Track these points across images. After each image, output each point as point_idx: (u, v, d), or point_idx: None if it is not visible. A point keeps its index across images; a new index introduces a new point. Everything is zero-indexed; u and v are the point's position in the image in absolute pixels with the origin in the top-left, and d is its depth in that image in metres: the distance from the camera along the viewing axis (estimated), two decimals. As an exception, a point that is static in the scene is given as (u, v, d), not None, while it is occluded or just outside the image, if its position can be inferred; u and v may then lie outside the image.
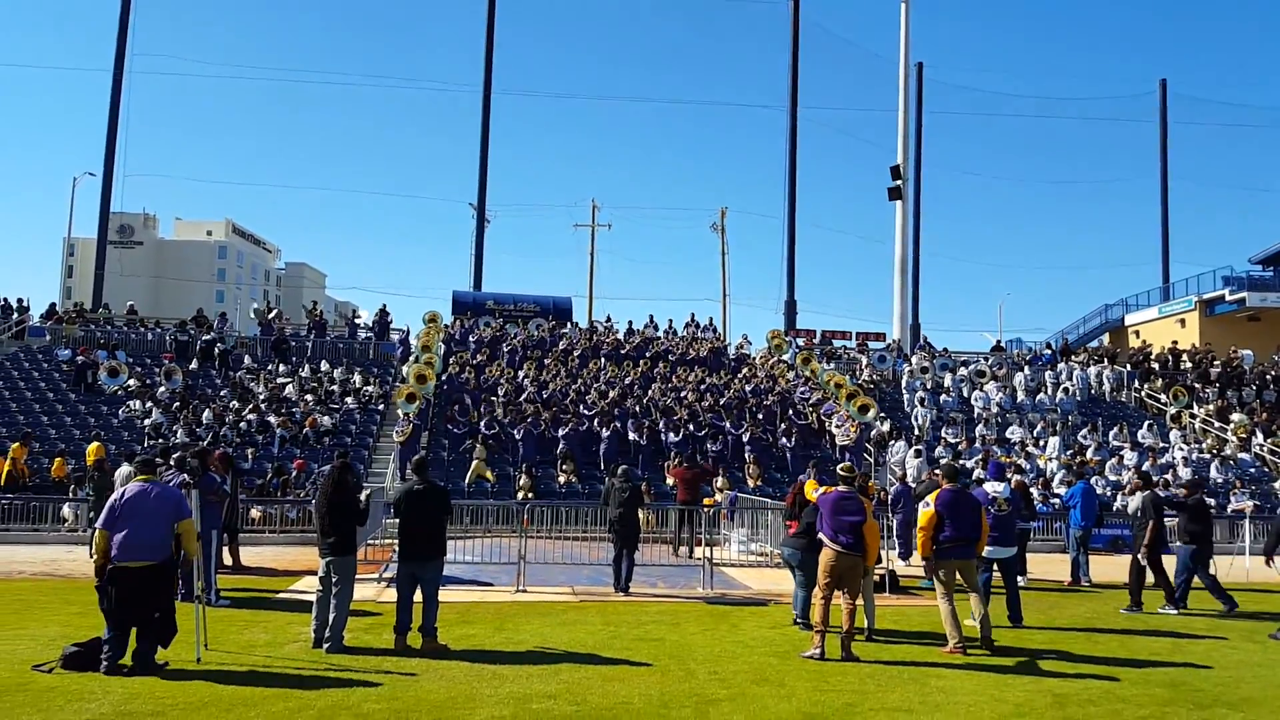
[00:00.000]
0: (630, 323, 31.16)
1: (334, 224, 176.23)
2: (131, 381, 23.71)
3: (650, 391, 23.99)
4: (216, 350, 26.08)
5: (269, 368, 25.64)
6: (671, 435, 21.26)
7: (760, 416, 22.71)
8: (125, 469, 14.00)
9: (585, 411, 22.08)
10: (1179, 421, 26.26)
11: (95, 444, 18.67)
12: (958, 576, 9.22)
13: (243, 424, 21.25)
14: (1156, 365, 30.82)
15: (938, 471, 10.29)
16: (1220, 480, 22.35)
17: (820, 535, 8.78)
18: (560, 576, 12.78)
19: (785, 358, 28.95)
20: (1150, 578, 11.86)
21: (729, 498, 17.60)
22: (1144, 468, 21.23)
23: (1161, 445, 24.43)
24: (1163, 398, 28.01)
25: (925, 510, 9.23)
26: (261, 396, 23.12)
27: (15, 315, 28.22)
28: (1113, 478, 21.92)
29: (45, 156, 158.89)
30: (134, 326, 28.67)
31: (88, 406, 22.71)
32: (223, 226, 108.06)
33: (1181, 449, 24.30)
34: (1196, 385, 28.71)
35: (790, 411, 23.50)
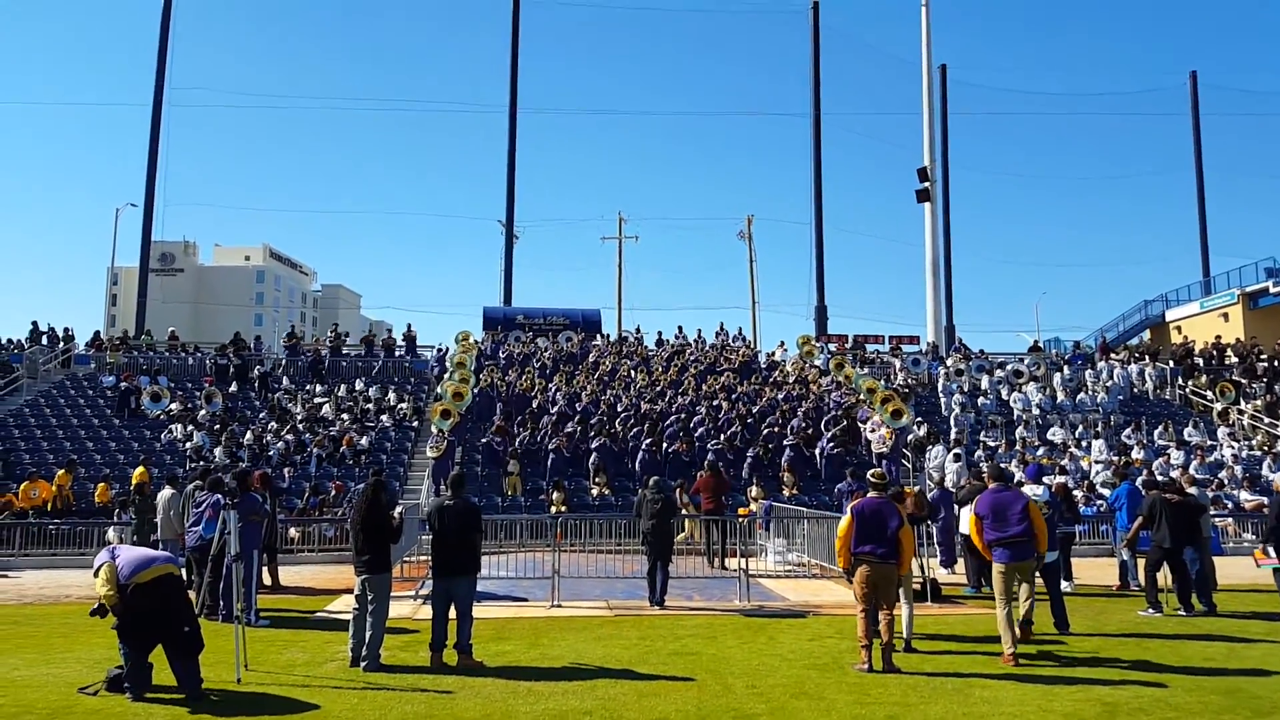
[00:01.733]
0: (660, 333, 31.24)
1: (368, 246, 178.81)
2: (173, 406, 24.11)
3: (680, 400, 23.89)
4: (257, 372, 26.47)
5: (306, 388, 25.95)
6: (709, 444, 21.12)
7: (794, 424, 22.51)
8: (167, 492, 14.24)
9: (617, 423, 22.06)
10: (1226, 418, 25.66)
11: (140, 469, 18.99)
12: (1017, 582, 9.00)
13: (280, 444, 21.50)
14: (1200, 361, 30.15)
15: (984, 472, 10.10)
16: (1273, 477, 21.73)
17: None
18: (595, 590, 12.74)
19: (817, 363, 28.73)
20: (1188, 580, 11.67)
21: (764, 507, 17.43)
22: (1191, 467, 20.81)
23: (1210, 443, 23.86)
24: (1208, 394, 27.38)
25: (969, 517, 9.13)
26: (299, 417, 23.39)
27: (61, 345, 28.84)
28: (1160, 478, 21.40)
29: (89, 190, 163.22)
30: (175, 352, 29.16)
31: (131, 431, 23.12)
32: (260, 251, 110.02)
33: (1231, 446, 23.72)
34: (1243, 380, 28.03)
35: (824, 418, 23.29)
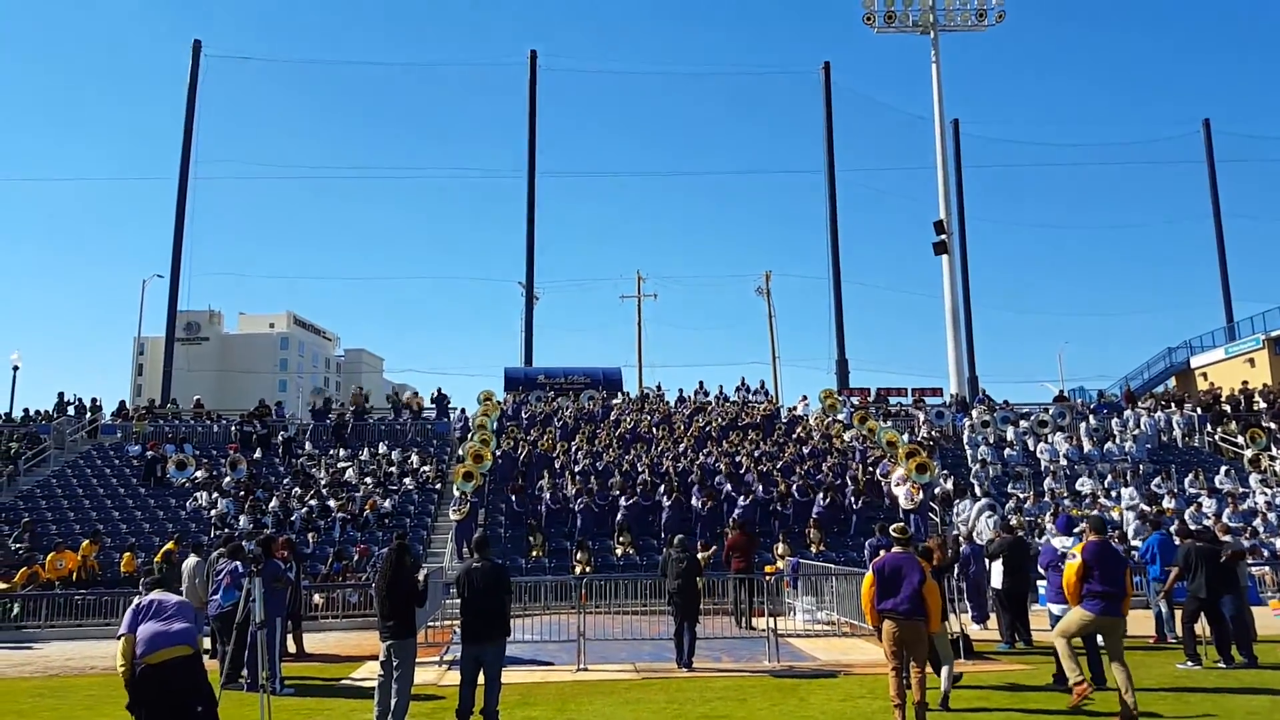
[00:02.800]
0: (680, 390, 31.16)
1: (390, 309, 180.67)
2: (199, 473, 24.27)
3: (702, 457, 23.79)
4: (281, 438, 26.63)
5: (330, 452, 26.07)
6: (742, 499, 20.95)
7: (819, 479, 22.33)
8: (192, 560, 14.29)
9: (640, 481, 21.95)
10: (1258, 465, 25.22)
11: (171, 543, 18.93)
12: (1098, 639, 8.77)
13: (304, 509, 21.56)
14: (1228, 407, 29.77)
15: (1084, 524, 9.84)
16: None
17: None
18: (621, 653, 12.58)
19: (840, 417, 28.59)
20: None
21: (791, 564, 17.23)
22: (1224, 515, 20.46)
23: (1242, 490, 23.44)
24: (1239, 440, 26.98)
25: (1071, 563, 8.86)
26: (323, 482, 23.48)
27: (89, 415, 29.20)
28: (1193, 527, 20.99)
29: (116, 262, 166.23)
30: (200, 419, 29.43)
31: (157, 500, 23.25)
32: (284, 318, 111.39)
33: (1264, 493, 23.28)
34: (1272, 426, 27.62)
35: (849, 473, 23.11)
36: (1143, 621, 14.67)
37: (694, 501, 20.96)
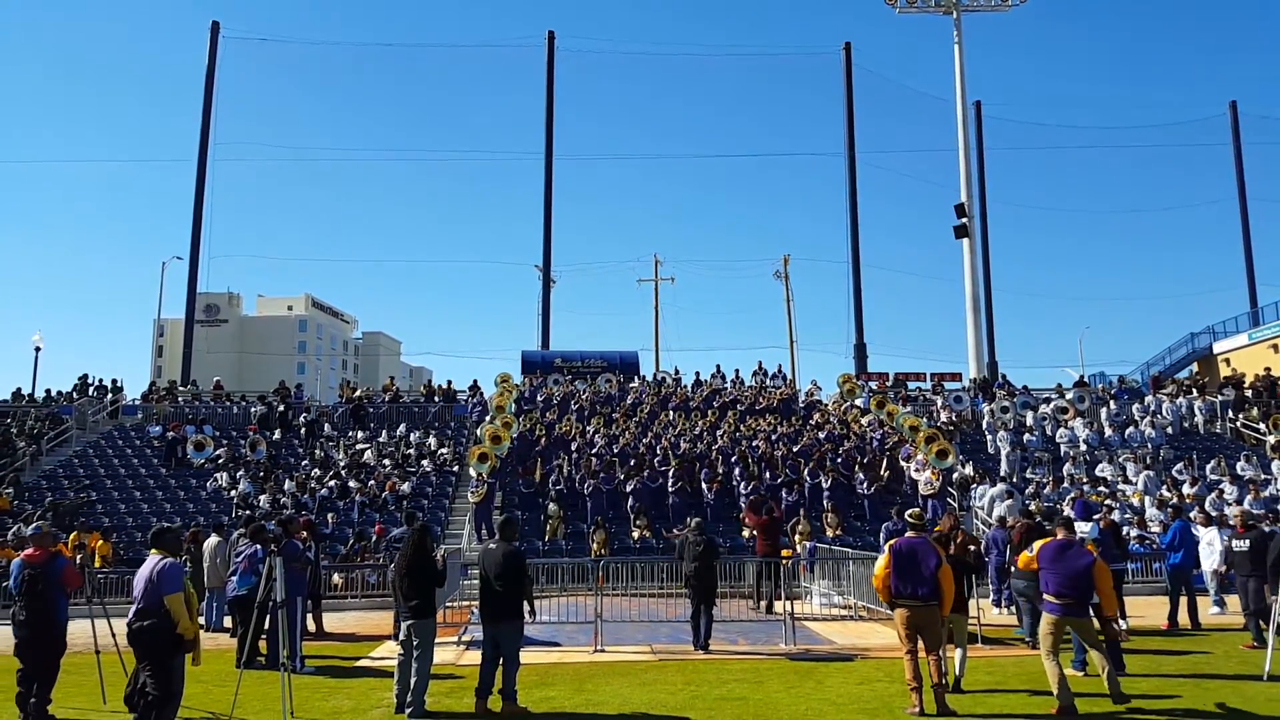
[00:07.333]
0: (698, 374, 31.07)
1: (407, 293, 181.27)
2: (219, 454, 24.47)
3: (719, 440, 23.79)
4: (303, 419, 26.77)
5: (349, 434, 26.22)
6: (743, 486, 20.97)
7: (838, 463, 22.27)
8: (213, 540, 14.44)
9: (656, 465, 21.96)
10: (1280, 451, 24.94)
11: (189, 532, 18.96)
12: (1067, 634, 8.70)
13: (324, 491, 21.69)
14: (1250, 393, 29.43)
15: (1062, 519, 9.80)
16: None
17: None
18: (638, 635, 12.63)
19: (858, 402, 28.48)
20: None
21: (808, 549, 17.23)
22: (1246, 502, 20.27)
23: (1264, 477, 23.20)
24: (1261, 427, 26.70)
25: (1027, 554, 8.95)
26: (342, 463, 23.62)
27: (110, 396, 29.47)
28: (1214, 514, 20.81)
29: (136, 244, 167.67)
30: (220, 401, 29.65)
31: (177, 480, 23.48)
32: (302, 301, 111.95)
33: (1287, 480, 23.02)
34: (1296, 412, 27.26)
35: (867, 457, 23.04)
36: (1161, 608, 14.57)
37: (702, 485, 20.98)
